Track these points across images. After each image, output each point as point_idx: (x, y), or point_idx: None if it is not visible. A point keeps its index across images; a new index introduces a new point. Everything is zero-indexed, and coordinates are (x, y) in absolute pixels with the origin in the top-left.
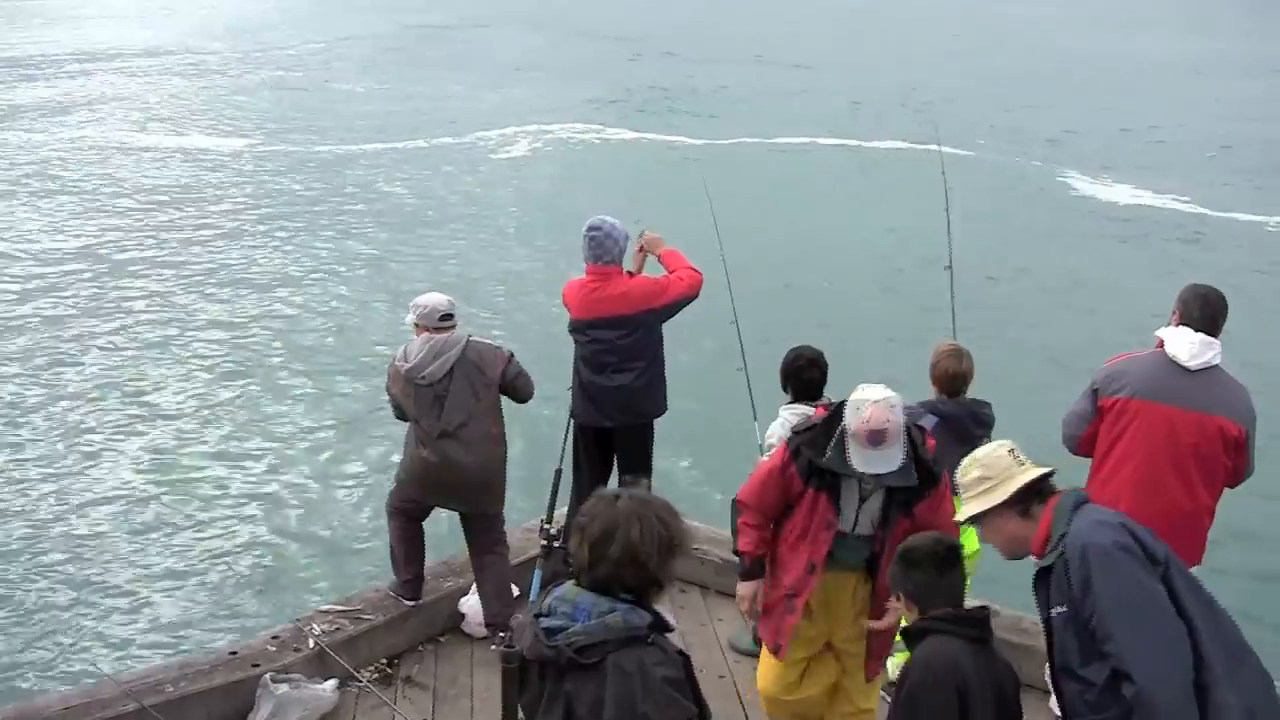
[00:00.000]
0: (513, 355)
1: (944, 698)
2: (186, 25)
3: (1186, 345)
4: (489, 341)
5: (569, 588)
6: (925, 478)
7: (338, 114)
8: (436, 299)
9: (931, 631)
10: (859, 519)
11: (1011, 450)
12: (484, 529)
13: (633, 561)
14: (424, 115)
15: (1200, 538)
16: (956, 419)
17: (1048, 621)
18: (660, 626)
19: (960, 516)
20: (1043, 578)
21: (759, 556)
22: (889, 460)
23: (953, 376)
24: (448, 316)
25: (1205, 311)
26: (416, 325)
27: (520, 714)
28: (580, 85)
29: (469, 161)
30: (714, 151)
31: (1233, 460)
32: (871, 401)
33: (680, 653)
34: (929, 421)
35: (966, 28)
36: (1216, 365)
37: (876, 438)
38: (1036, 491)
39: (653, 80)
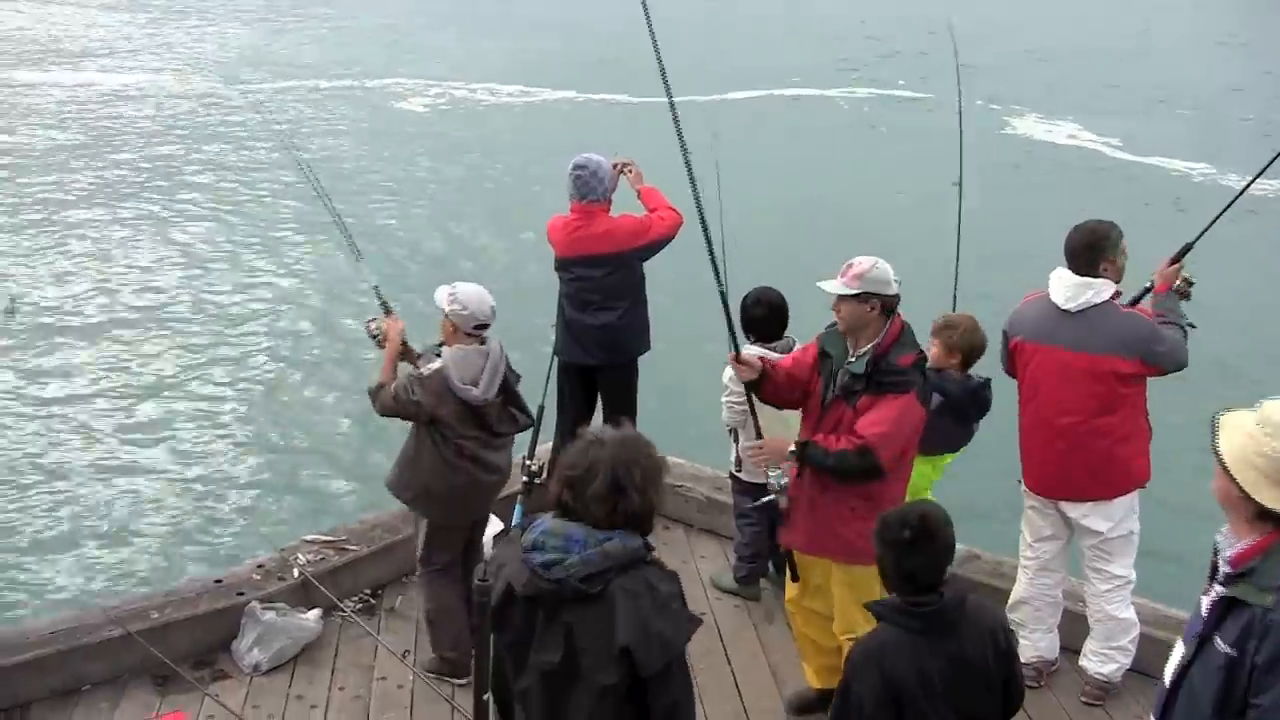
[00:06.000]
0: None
1: (868, 690)
2: None
3: (1062, 289)
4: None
5: (554, 522)
6: (882, 376)
7: None
8: (481, 301)
9: (880, 617)
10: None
11: None
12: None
13: (617, 497)
14: None
15: (1132, 462)
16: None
17: (1203, 639)
18: (650, 548)
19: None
20: (1233, 604)
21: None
22: (844, 287)
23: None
24: (484, 326)
25: (1076, 249)
26: (448, 319)
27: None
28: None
29: None
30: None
31: (1141, 384)
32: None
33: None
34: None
35: None
36: (1102, 302)
37: (845, 269)
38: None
39: None
